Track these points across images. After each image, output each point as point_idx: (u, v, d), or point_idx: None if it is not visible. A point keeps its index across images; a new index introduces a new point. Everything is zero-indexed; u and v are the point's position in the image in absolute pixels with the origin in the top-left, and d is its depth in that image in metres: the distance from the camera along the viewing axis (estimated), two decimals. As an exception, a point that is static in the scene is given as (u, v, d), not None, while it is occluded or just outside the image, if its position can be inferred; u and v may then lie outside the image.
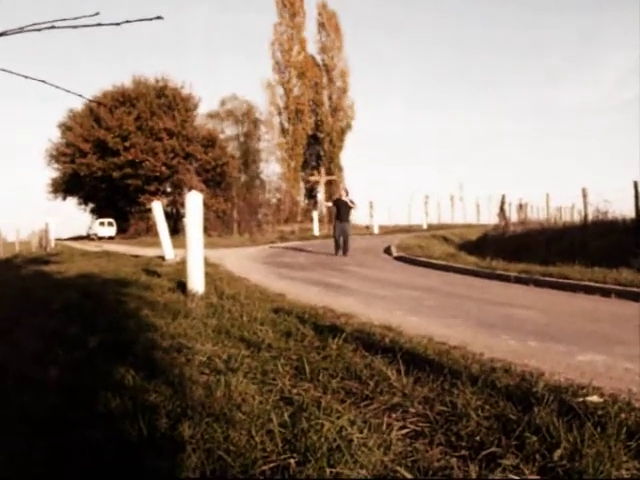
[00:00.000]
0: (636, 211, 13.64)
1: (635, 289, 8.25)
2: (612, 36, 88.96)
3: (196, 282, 7.71)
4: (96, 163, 46.10)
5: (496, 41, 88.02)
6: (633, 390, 3.60)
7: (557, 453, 2.46)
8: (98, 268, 12.02)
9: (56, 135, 50.76)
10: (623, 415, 2.87)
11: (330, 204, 18.35)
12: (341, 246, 16.57)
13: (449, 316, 6.92)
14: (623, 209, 14.84)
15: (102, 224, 48.84)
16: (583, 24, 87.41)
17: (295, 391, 3.36)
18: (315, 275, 12.03)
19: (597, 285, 8.84)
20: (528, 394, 3.20)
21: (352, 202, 17.01)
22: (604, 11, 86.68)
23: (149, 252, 17.52)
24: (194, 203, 8.02)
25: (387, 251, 18.25)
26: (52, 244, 30.52)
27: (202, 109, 52.16)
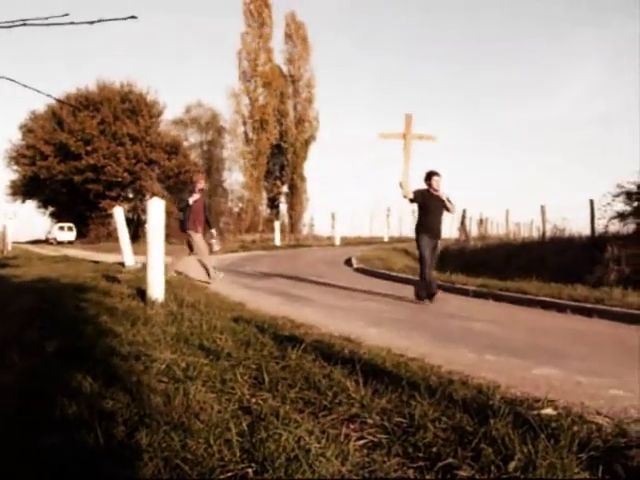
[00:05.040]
0: (592, 229, 13.99)
1: (588, 305, 8.44)
2: (576, 53, 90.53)
3: (156, 289, 7.62)
4: (57, 166, 45.35)
5: (460, 54, 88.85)
6: (585, 403, 3.68)
7: (512, 464, 2.50)
8: (57, 273, 11.78)
9: (16, 137, 49.89)
10: (575, 427, 2.93)
11: (411, 197, 9.81)
12: (429, 277, 9.67)
13: (408, 328, 6.98)
14: (580, 226, 15.24)
15: (62, 228, 48.02)
16: (549, 38, 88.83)
17: (254, 400, 3.35)
18: (275, 285, 12.01)
19: (553, 300, 9.01)
20: (485, 406, 3.25)
21: (449, 200, 9.74)
22: (572, 25, 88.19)
23: (109, 258, 17.26)
24: (156, 210, 7.93)
25: (348, 263, 18.31)
26: (9, 247, 29.90)
27: (167, 115, 51.79)
